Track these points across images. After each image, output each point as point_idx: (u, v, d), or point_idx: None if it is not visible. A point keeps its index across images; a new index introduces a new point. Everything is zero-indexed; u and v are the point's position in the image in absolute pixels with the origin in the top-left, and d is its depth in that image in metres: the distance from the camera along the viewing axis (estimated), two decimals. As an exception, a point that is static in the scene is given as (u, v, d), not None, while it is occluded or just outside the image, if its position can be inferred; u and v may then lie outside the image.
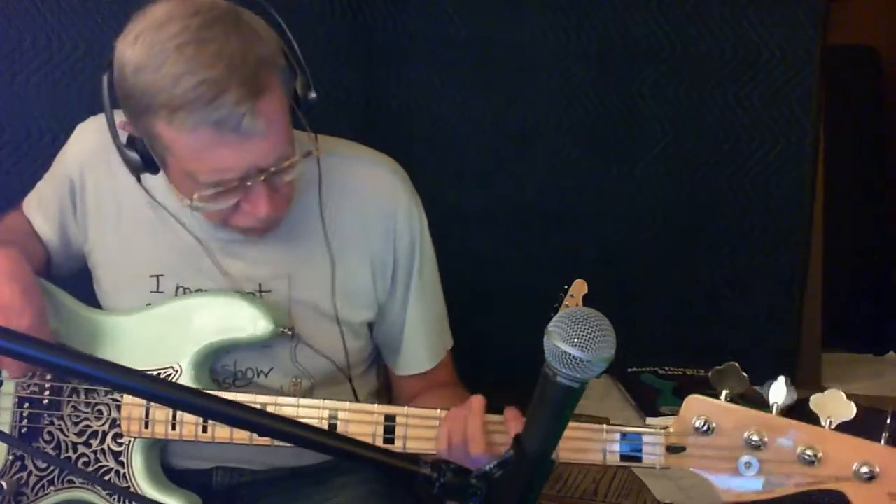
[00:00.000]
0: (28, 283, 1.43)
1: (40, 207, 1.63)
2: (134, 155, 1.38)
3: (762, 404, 1.20)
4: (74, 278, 1.66)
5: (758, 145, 2.31)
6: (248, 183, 1.32)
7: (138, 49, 1.27)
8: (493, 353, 2.36)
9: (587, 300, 1.98)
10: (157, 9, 1.29)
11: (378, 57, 2.33)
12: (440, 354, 1.65)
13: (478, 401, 1.31)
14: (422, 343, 1.62)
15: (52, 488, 1.51)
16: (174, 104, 1.24)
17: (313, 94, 1.39)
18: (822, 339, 2.56)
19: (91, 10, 2.22)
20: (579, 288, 1.98)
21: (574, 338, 0.88)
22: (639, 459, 1.27)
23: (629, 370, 2.35)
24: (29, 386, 1.53)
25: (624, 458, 1.28)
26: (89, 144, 1.57)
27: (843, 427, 1.17)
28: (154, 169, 1.39)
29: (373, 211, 1.54)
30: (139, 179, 1.43)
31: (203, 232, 1.50)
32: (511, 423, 1.30)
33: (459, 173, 2.38)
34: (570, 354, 0.88)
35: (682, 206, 2.37)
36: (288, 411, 1.40)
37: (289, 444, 0.98)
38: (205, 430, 1.43)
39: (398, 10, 2.31)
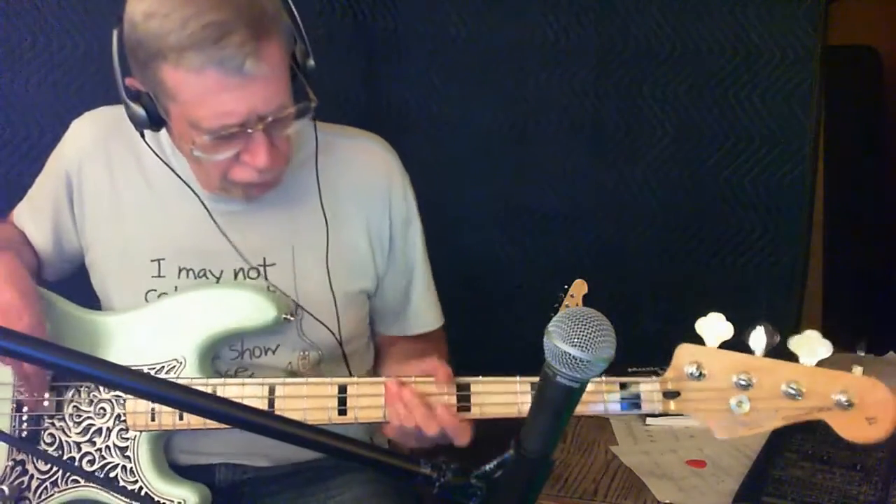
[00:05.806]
0: (25, 287, 1.45)
1: (32, 210, 1.65)
2: (139, 109, 1.41)
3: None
4: (67, 281, 1.66)
5: (758, 145, 2.30)
6: (249, 130, 1.36)
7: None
8: (492, 353, 2.37)
9: (587, 300, 1.98)
10: None
11: (378, 56, 2.33)
12: (442, 318, 1.72)
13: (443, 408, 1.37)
14: (429, 304, 1.69)
15: (55, 490, 1.51)
16: (182, 45, 1.30)
17: (312, 63, 1.44)
18: (822, 339, 2.56)
19: (91, 9, 2.22)
20: (579, 288, 1.98)
21: (574, 338, 0.89)
22: (638, 406, 1.37)
23: (629, 370, 2.34)
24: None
25: (625, 406, 1.38)
26: (87, 138, 1.60)
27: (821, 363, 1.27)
28: (158, 125, 1.43)
29: (368, 185, 1.59)
30: (143, 135, 1.47)
31: (207, 203, 1.53)
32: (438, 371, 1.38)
33: (459, 173, 2.38)
34: (569, 354, 0.89)
35: (682, 206, 2.37)
36: (297, 390, 1.41)
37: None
38: None
39: (398, 9, 2.31)
